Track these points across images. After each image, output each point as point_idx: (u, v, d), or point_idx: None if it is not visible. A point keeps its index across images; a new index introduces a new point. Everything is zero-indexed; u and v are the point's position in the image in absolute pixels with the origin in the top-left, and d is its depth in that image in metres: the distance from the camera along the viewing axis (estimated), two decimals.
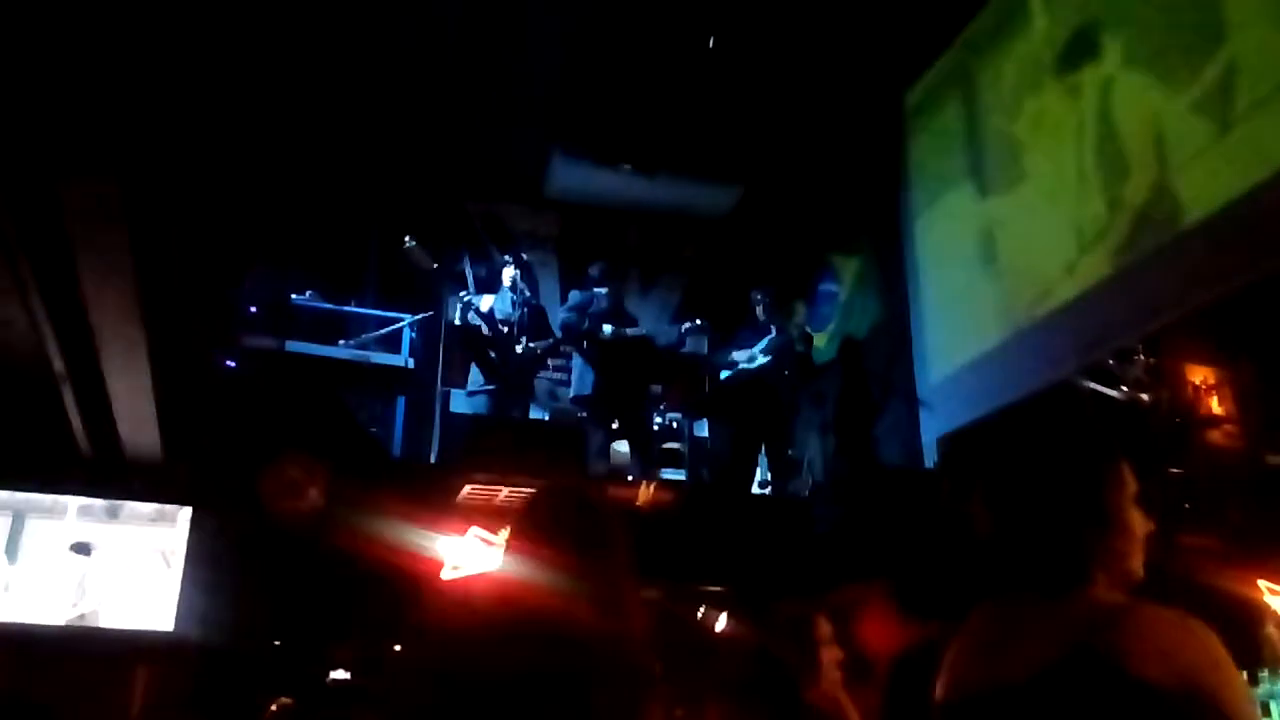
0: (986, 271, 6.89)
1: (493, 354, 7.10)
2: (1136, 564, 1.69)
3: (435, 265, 7.09)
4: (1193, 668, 1.49)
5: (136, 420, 5.49)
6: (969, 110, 7.25)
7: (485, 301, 7.24)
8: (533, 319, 7.32)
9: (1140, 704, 1.47)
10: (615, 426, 7.44)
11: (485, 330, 7.10)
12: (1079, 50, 6.20)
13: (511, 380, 7.18)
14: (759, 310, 7.62)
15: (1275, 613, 5.44)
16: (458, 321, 7.18)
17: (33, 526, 5.93)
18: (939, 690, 1.75)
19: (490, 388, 7.24)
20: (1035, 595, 1.66)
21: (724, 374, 7.71)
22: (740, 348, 7.60)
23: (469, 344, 7.26)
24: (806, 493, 7.66)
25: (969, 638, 1.76)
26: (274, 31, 6.49)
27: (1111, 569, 1.66)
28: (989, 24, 7.06)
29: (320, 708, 6.07)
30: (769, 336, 7.50)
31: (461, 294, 7.35)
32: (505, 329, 7.15)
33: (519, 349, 7.13)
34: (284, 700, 5.43)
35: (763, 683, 3.21)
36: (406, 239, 6.98)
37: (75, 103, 3.50)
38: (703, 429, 8.44)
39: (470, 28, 7.12)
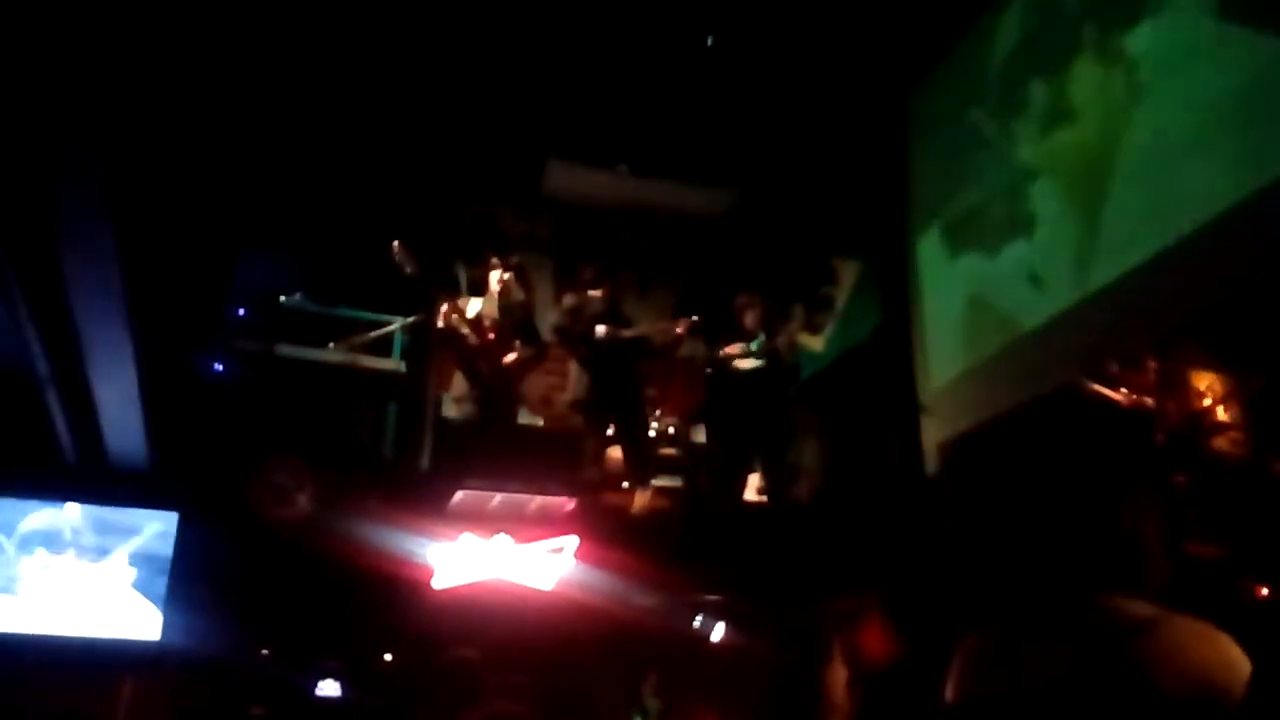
0: (990, 275, 6.82)
1: (479, 361, 7.00)
2: (1159, 573, 1.71)
3: (419, 270, 6.99)
4: (1216, 682, 1.51)
5: (122, 425, 5.43)
6: (973, 108, 7.15)
7: (472, 307, 7.14)
8: (522, 323, 7.22)
9: (1160, 716, 1.48)
10: (611, 432, 7.35)
11: (472, 339, 7.00)
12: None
13: (497, 387, 7.08)
14: (746, 316, 7.53)
15: None
16: (441, 325, 7.07)
17: (17, 534, 5.84)
18: (952, 691, 1.78)
19: (475, 394, 7.14)
20: (1058, 602, 1.68)
21: (709, 372, 7.61)
22: (728, 350, 7.50)
23: (453, 351, 7.16)
24: (805, 500, 7.59)
25: (988, 641, 1.78)
26: (265, 34, 6.42)
27: (1142, 578, 1.69)
28: (992, 22, 6.96)
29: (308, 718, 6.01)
30: (757, 340, 7.41)
31: (446, 301, 7.25)
32: (493, 335, 7.05)
33: (507, 355, 7.04)
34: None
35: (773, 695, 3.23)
36: (394, 244, 6.90)
37: (62, 103, 3.44)
38: (700, 435, 8.36)
39: (464, 27, 7.05)
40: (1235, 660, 1.55)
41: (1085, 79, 5.93)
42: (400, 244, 6.84)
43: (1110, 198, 5.65)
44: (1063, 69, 6.12)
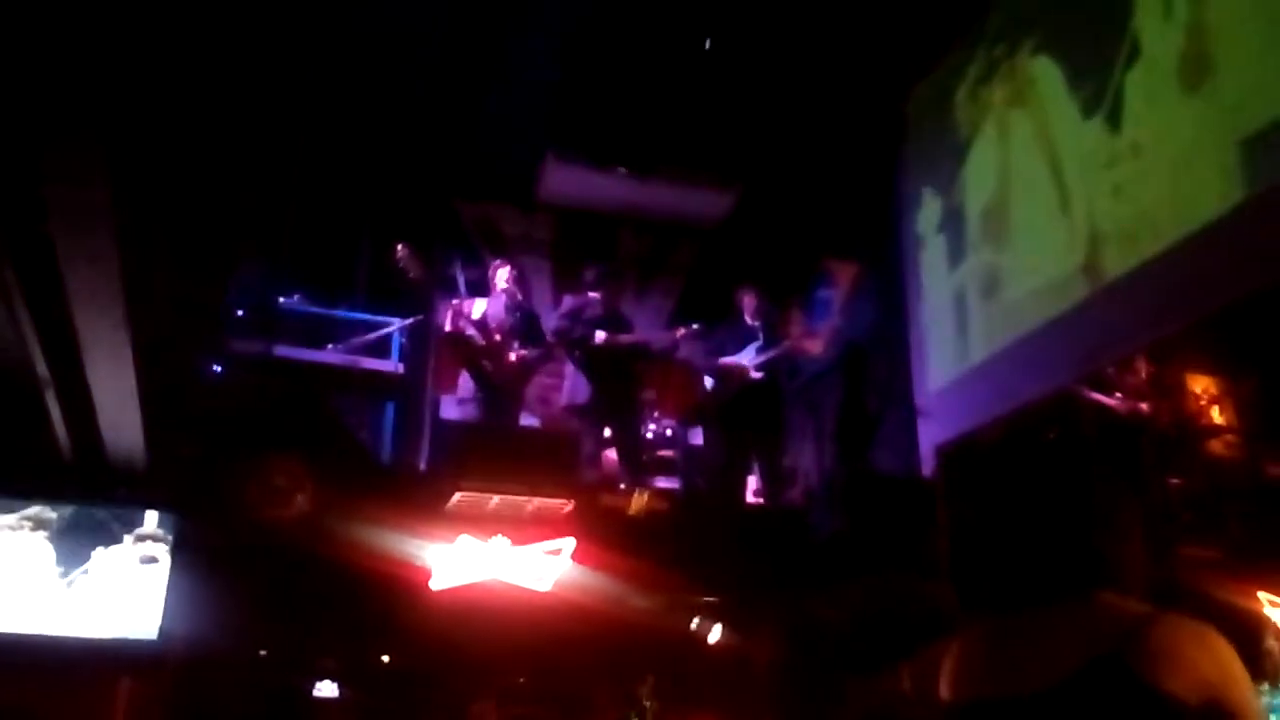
0: (985, 277, 6.83)
1: (485, 362, 7.00)
2: (1138, 575, 1.75)
3: (425, 274, 6.99)
4: (1212, 681, 1.53)
5: (121, 425, 5.42)
6: (968, 111, 7.18)
7: (477, 308, 7.14)
8: (525, 324, 7.22)
9: (1161, 716, 1.50)
10: (608, 434, 7.35)
11: (478, 339, 7.00)
12: None
13: (503, 388, 7.08)
14: (745, 312, 7.52)
15: (1276, 625, 5.41)
16: (448, 328, 7.07)
17: (14, 534, 5.83)
18: (946, 693, 1.79)
19: (481, 395, 7.14)
20: (1050, 602, 1.70)
21: (709, 379, 7.61)
22: (728, 352, 7.49)
23: (460, 352, 7.15)
24: (802, 501, 7.59)
25: (980, 643, 1.79)
26: (263, 31, 6.42)
27: (1125, 578, 1.71)
28: (994, 24, 6.99)
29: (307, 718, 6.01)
30: (756, 342, 7.41)
31: (453, 301, 7.24)
32: (498, 335, 7.05)
33: (511, 356, 7.03)
34: None
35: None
36: (399, 247, 6.90)
37: (59, 103, 3.44)
38: (698, 437, 8.37)
39: (464, 27, 7.05)
40: (1228, 657, 1.57)
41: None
42: (405, 247, 6.85)
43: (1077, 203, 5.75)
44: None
